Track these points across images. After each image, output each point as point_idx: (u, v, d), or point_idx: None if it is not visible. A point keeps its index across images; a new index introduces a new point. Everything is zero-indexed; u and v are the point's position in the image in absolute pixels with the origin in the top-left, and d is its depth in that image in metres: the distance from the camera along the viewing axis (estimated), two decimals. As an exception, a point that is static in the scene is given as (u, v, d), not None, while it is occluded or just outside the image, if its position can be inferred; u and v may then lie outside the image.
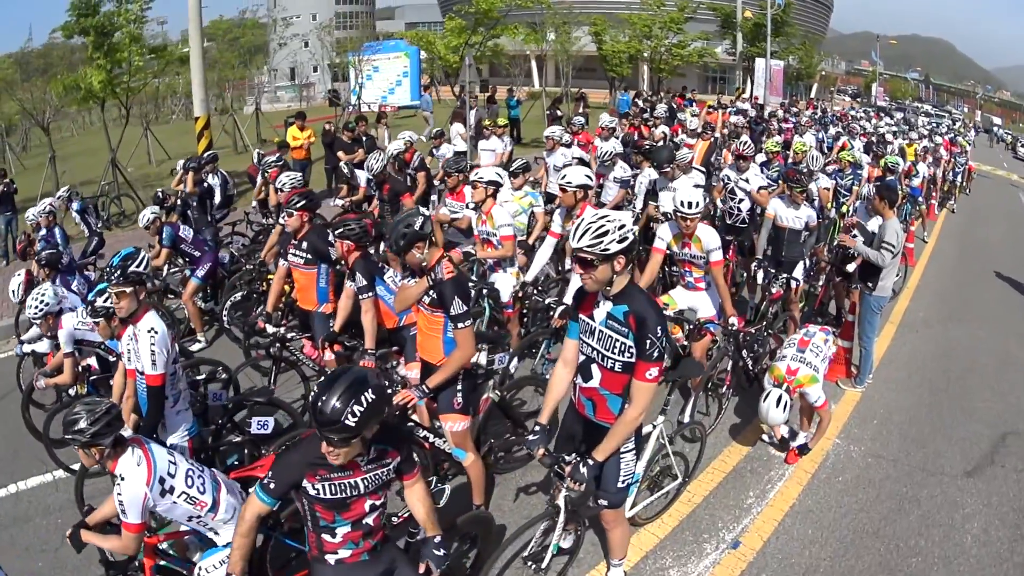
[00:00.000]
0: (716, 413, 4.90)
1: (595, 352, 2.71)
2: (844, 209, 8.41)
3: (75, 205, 8.10)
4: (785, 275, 5.69)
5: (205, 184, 7.86)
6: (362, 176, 7.93)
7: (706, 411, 4.87)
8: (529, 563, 2.97)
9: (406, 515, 2.68)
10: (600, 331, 2.66)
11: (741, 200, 6.65)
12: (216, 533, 2.86)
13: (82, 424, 2.62)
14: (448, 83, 24.38)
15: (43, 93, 14.31)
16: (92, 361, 4.71)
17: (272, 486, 2.30)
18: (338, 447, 2.12)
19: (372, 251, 6.42)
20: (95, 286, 4.23)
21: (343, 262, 4.43)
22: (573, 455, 2.70)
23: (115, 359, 4.35)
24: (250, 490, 2.42)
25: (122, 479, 2.64)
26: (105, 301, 3.62)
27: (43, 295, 4.55)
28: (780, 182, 6.47)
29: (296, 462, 2.29)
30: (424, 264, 3.29)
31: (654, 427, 3.54)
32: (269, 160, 7.78)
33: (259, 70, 32.36)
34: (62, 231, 6.85)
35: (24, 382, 5.08)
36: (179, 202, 7.56)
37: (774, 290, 5.69)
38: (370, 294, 4.08)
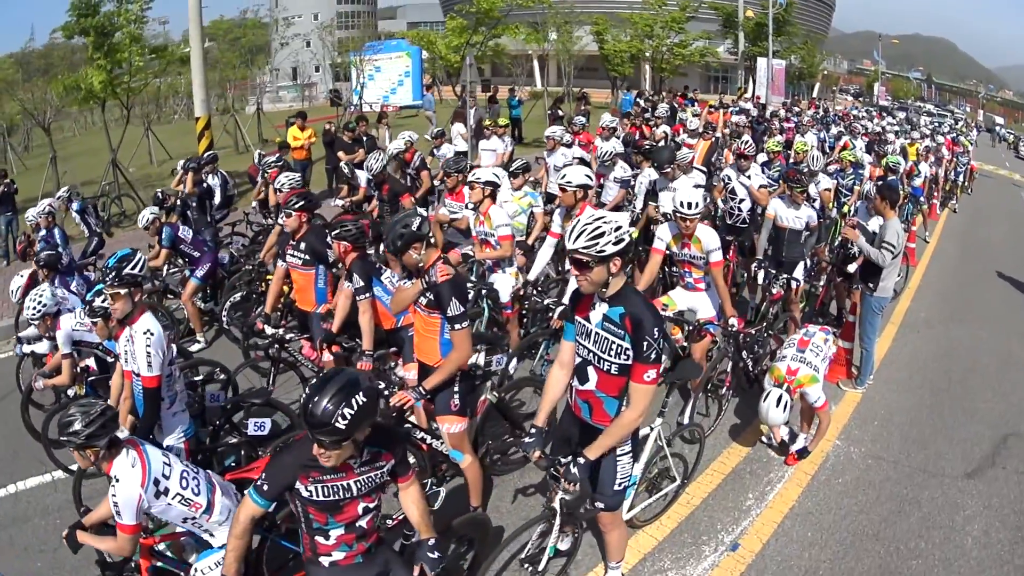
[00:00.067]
0: (716, 414, 4.88)
1: (591, 354, 2.69)
2: (845, 209, 8.38)
3: (75, 205, 8.11)
4: (785, 275, 5.67)
5: (205, 184, 7.86)
6: (362, 176, 7.92)
7: (706, 412, 4.85)
8: (526, 565, 2.96)
9: (401, 517, 2.67)
10: (596, 333, 2.65)
11: (742, 200, 6.64)
12: (211, 535, 2.86)
13: (77, 426, 2.63)
14: (450, 83, 24.37)
15: (44, 93, 14.33)
16: (91, 362, 4.72)
17: (265, 488, 2.30)
18: (329, 449, 2.12)
19: (372, 251, 6.45)
20: (94, 286, 4.23)
21: (341, 264, 4.42)
22: (569, 457, 2.69)
23: (113, 360, 4.35)
24: (245, 492, 2.42)
25: (117, 481, 2.64)
26: (103, 302, 3.62)
27: (41, 296, 4.56)
28: (781, 182, 6.45)
29: (289, 464, 2.28)
30: (421, 265, 3.28)
31: (652, 429, 3.52)
32: (269, 160, 7.78)
33: (261, 70, 32.39)
34: (62, 231, 6.86)
35: (24, 383, 5.09)
36: (179, 202, 7.56)
37: (774, 291, 5.67)
38: (367, 295, 4.07)
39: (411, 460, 3.64)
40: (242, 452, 3.93)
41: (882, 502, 4.13)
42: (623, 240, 2.52)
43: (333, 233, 4.19)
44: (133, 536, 2.69)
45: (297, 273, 4.69)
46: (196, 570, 2.79)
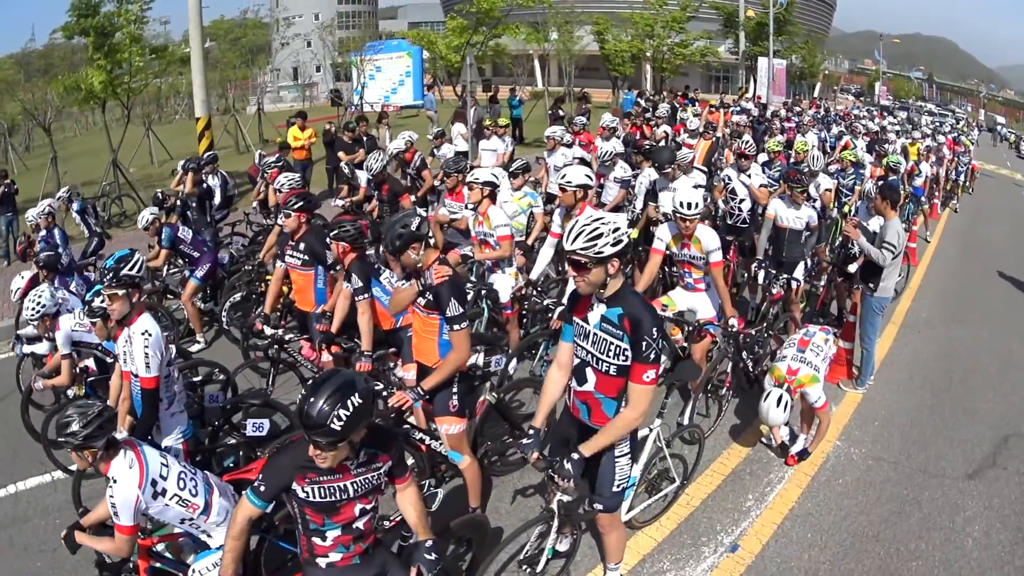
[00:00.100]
0: (716, 415, 4.87)
1: (589, 355, 2.68)
2: (846, 209, 8.36)
3: (75, 206, 8.11)
4: (786, 276, 5.66)
5: (204, 185, 7.86)
6: (363, 176, 7.91)
7: (706, 413, 4.84)
8: (524, 567, 2.96)
9: (398, 519, 2.66)
10: (594, 334, 2.64)
11: (742, 200, 6.63)
12: (209, 536, 2.86)
13: (74, 427, 2.63)
14: (450, 83, 24.37)
15: (44, 94, 14.35)
16: (90, 362, 4.71)
17: (262, 489, 2.29)
18: (325, 450, 2.11)
19: (372, 252, 6.45)
20: (94, 287, 4.23)
21: (338, 266, 4.41)
22: (568, 458, 2.68)
23: (113, 360, 4.34)
24: (243, 493, 2.42)
25: (114, 481, 2.64)
26: (101, 302, 3.62)
27: (39, 297, 4.56)
28: (781, 182, 6.44)
29: (285, 465, 2.28)
30: (419, 266, 3.27)
31: (651, 430, 3.51)
32: (269, 161, 7.78)
33: (261, 70, 32.41)
34: (62, 232, 6.85)
35: (24, 383, 5.09)
36: (178, 203, 7.56)
37: (775, 291, 5.66)
38: (366, 296, 4.06)
39: (410, 461, 3.65)
40: (241, 453, 3.93)
41: (882, 503, 4.12)
42: (621, 241, 2.51)
43: (331, 234, 4.18)
44: (131, 537, 2.69)
45: (296, 274, 4.68)
46: (194, 571, 2.79)
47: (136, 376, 3.22)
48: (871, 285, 5.28)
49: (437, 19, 36.80)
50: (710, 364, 4.68)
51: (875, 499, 4.15)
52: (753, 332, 5.13)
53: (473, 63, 12.38)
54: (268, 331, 4.46)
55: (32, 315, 4.58)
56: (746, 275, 6.47)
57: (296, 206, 4.54)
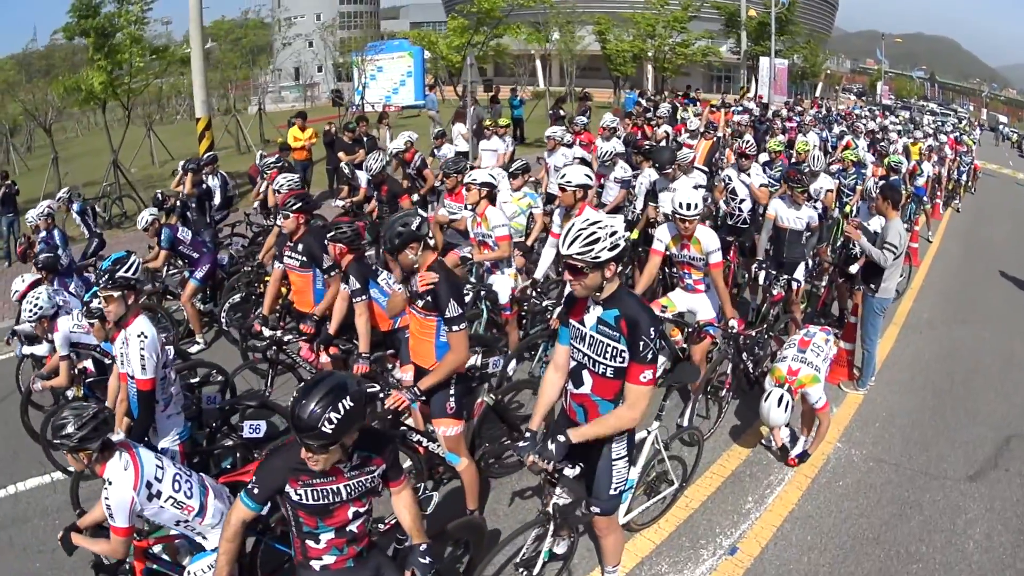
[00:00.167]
0: (716, 417, 4.85)
1: (586, 358, 2.66)
2: (848, 209, 8.34)
3: (75, 206, 8.11)
4: (786, 276, 5.64)
5: (204, 185, 7.86)
6: (363, 177, 7.91)
7: (706, 414, 4.82)
8: (521, 569, 2.94)
9: (393, 522, 2.65)
10: (591, 336, 2.62)
11: (742, 200, 6.61)
12: (204, 538, 2.86)
13: (70, 429, 2.63)
14: (451, 83, 24.36)
15: (45, 94, 14.37)
16: (88, 364, 4.70)
17: (256, 491, 2.29)
18: (317, 453, 2.10)
19: (372, 253, 6.44)
20: (93, 288, 4.22)
21: (332, 271, 4.39)
22: (564, 461, 2.66)
23: (111, 362, 4.34)
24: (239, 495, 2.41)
25: (109, 483, 2.64)
26: (99, 304, 3.61)
27: (37, 299, 4.55)
28: (782, 182, 6.42)
29: (279, 467, 2.27)
30: (417, 267, 3.26)
31: (649, 433, 3.50)
32: (269, 161, 7.78)
33: (263, 70, 32.42)
34: (61, 233, 6.86)
35: (24, 384, 5.09)
36: (178, 204, 7.56)
37: (775, 292, 5.64)
38: (364, 297, 4.05)
39: (407, 463, 3.65)
40: (238, 454, 3.92)
41: (883, 505, 4.10)
42: (618, 245, 2.48)
43: (328, 235, 4.17)
44: (126, 538, 2.69)
45: (295, 275, 4.68)
46: (189, 573, 2.79)
47: (132, 378, 3.22)
48: (872, 286, 5.26)
49: (439, 19, 36.78)
50: (710, 365, 4.66)
51: (875, 501, 4.13)
52: (753, 333, 5.11)
53: (474, 63, 12.37)
54: (266, 332, 4.45)
55: (29, 316, 4.58)
56: (747, 276, 6.45)
57: (295, 207, 4.53)
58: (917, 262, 9.05)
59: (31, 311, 4.55)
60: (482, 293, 5.02)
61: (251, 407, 4.16)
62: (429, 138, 10.86)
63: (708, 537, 3.78)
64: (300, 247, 4.55)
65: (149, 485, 2.68)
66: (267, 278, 5.95)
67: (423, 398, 3.29)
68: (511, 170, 6.35)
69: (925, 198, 10.64)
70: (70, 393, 4.65)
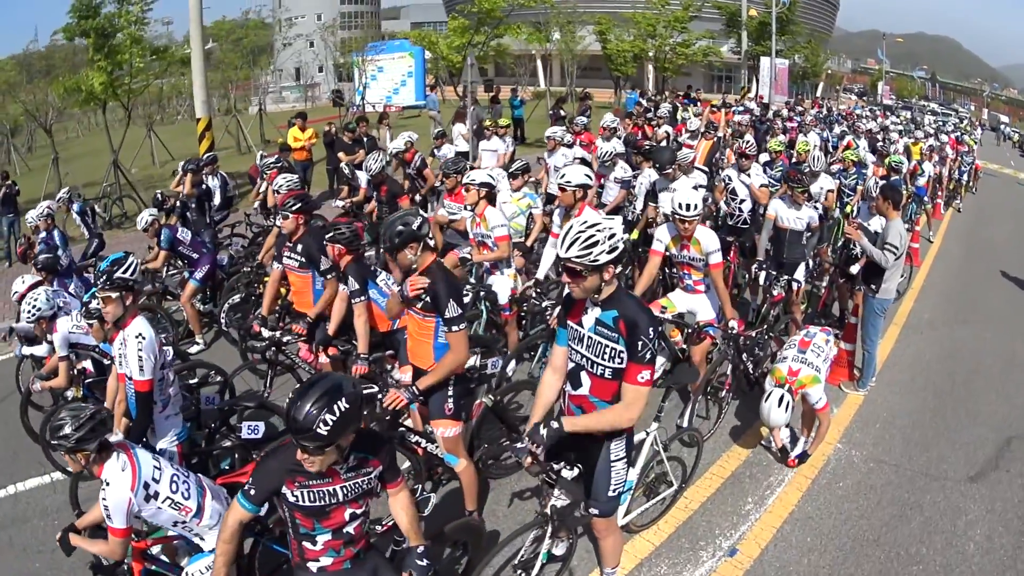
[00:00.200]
0: (715, 417, 4.84)
1: (584, 359, 2.65)
2: (848, 209, 8.32)
3: (75, 207, 8.12)
4: (786, 277, 5.62)
5: (204, 186, 7.85)
6: (363, 177, 7.90)
7: (705, 415, 4.81)
8: (519, 571, 2.93)
9: (390, 523, 2.65)
10: (589, 337, 2.61)
11: (743, 201, 6.60)
12: (202, 539, 2.86)
13: (67, 430, 2.63)
14: (452, 83, 24.36)
15: (45, 95, 14.39)
16: (87, 364, 4.70)
17: (252, 492, 2.29)
18: (312, 455, 2.10)
19: (372, 253, 6.43)
20: (92, 288, 4.22)
21: (328, 275, 4.37)
22: (562, 464, 2.66)
23: (110, 362, 4.34)
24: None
25: (107, 484, 2.64)
26: (98, 304, 3.61)
27: (35, 300, 4.55)
28: (783, 182, 6.41)
29: (275, 469, 2.27)
30: (415, 267, 3.25)
31: (647, 434, 3.49)
32: (268, 162, 7.78)
33: (263, 71, 32.43)
34: (61, 233, 6.85)
35: (24, 384, 5.09)
36: (178, 204, 7.55)
37: (775, 292, 5.63)
38: (363, 298, 4.05)
39: (406, 464, 3.64)
40: (237, 455, 3.91)
41: (883, 506, 4.08)
42: (617, 248, 2.47)
43: (327, 236, 4.16)
44: (124, 539, 2.69)
45: (294, 275, 4.67)
46: (187, 574, 2.79)
47: (130, 379, 3.21)
48: (873, 286, 5.25)
49: (440, 19, 36.75)
50: (710, 366, 4.65)
51: (876, 502, 4.12)
52: (753, 334, 5.10)
53: (474, 63, 12.35)
54: (265, 333, 4.44)
55: (27, 318, 4.58)
56: (747, 276, 6.44)
57: (294, 208, 4.52)
58: (918, 262, 9.03)
59: (29, 312, 4.55)
60: (481, 294, 5.01)
61: (249, 408, 4.16)
62: (430, 138, 10.85)
63: (707, 538, 3.77)
64: (299, 248, 4.54)
65: (147, 486, 2.67)
66: (267, 279, 5.95)
67: (421, 398, 3.28)
68: (511, 170, 6.34)
69: (926, 198, 10.62)
70: (69, 394, 4.66)
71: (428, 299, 3.23)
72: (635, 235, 6.57)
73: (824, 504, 4.09)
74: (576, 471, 2.65)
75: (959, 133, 19.93)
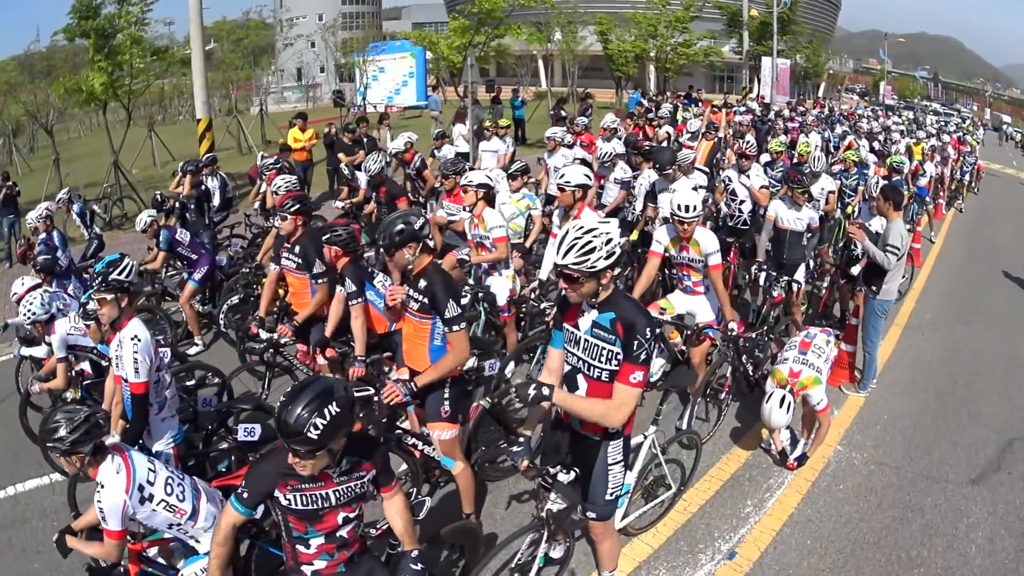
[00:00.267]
0: (715, 419, 4.82)
1: (580, 362, 2.63)
2: (849, 210, 8.30)
3: (75, 207, 8.12)
4: (787, 278, 5.60)
5: (203, 187, 7.85)
6: (363, 178, 7.89)
7: (705, 417, 4.79)
8: (516, 574, 2.91)
9: (385, 527, 2.63)
10: (585, 340, 2.59)
11: (743, 201, 6.57)
12: (197, 541, 2.85)
13: (62, 432, 2.62)
14: (453, 83, 24.36)
15: (46, 96, 14.41)
16: (86, 366, 4.70)
17: (245, 495, 2.28)
18: (303, 459, 2.09)
19: (371, 254, 6.42)
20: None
21: (319, 280, 4.36)
22: (558, 467, 2.64)
23: (108, 364, 4.33)
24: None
25: (102, 486, 2.64)
26: (94, 306, 3.60)
27: (31, 304, 4.54)
28: (783, 183, 6.38)
29: (268, 472, 2.26)
30: (410, 268, 3.23)
31: (645, 437, 3.47)
32: (268, 163, 7.77)
33: (264, 71, 32.43)
34: (60, 235, 6.86)
35: (23, 385, 5.09)
36: (177, 205, 7.55)
37: (775, 293, 5.60)
38: (360, 300, 4.03)
39: (403, 467, 3.62)
40: (233, 457, 3.90)
41: (884, 509, 4.06)
42: (614, 253, 2.44)
43: (324, 238, 4.15)
44: (119, 542, 2.69)
45: (292, 276, 4.64)
46: (182, 576, 2.78)
47: (126, 381, 3.20)
48: (874, 287, 5.22)
49: (441, 20, 36.76)
50: (709, 368, 4.63)
51: (876, 505, 4.09)
52: (753, 336, 5.08)
53: (474, 63, 12.33)
54: (263, 335, 4.43)
55: (25, 320, 4.58)
56: (747, 277, 6.41)
57: (292, 209, 4.50)
58: (920, 263, 9.00)
59: (25, 315, 4.56)
60: (480, 295, 5.00)
61: (246, 410, 4.14)
62: (430, 139, 10.84)
63: (707, 541, 3.74)
64: (297, 249, 4.52)
65: (141, 488, 2.67)
66: (265, 280, 5.94)
67: (416, 392, 3.24)
68: (510, 171, 6.32)
69: (928, 198, 10.58)
70: (68, 395, 4.65)
71: (425, 300, 3.21)
72: (634, 236, 6.55)
73: (824, 507, 4.06)
74: (572, 475, 2.63)
75: (961, 133, 19.86)
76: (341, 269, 4.14)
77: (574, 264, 2.41)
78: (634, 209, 7.05)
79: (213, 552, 2.35)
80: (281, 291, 5.09)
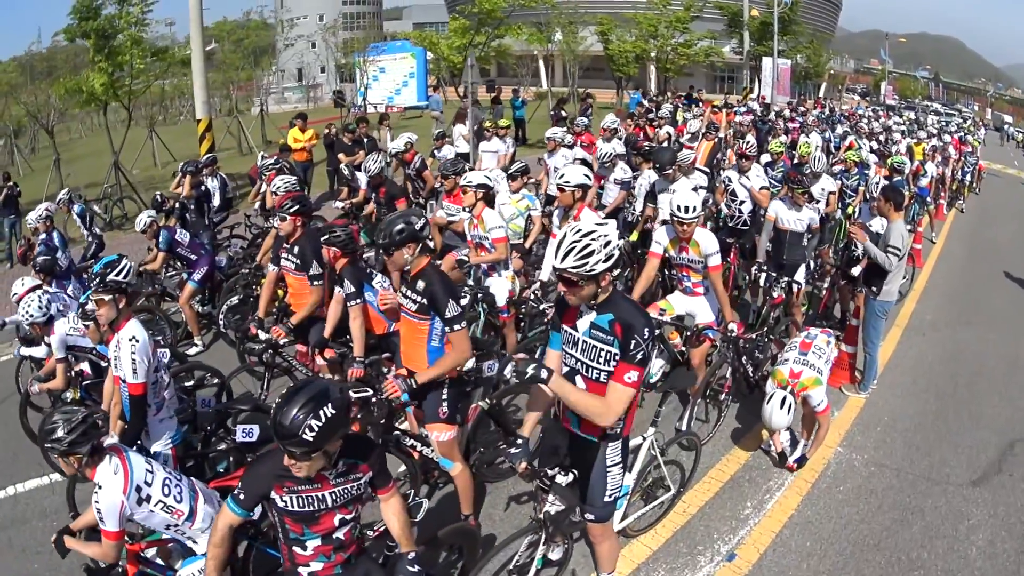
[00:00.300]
0: (715, 421, 4.81)
1: (579, 363, 2.62)
2: (850, 210, 8.28)
3: (76, 208, 8.12)
4: (787, 278, 5.59)
5: (203, 187, 7.85)
6: (363, 178, 7.89)
7: (705, 418, 4.78)
8: (515, 576, 2.91)
9: (382, 529, 2.63)
10: (584, 341, 2.58)
11: (743, 202, 6.56)
12: (194, 542, 2.85)
13: (59, 433, 2.62)
14: (453, 84, 24.36)
15: (47, 96, 14.42)
16: (85, 366, 4.70)
17: (242, 497, 2.27)
18: (299, 460, 2.09)
19: (371, 254, 6.42)
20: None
21: (315, 282, 4.35)
22: (556, 469, 2.63)
23: (107, 364, 4.33)
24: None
25: (99, 487, 2.64)
26: (92, 306, 3.60)
27: (29, 306, 4.55)
28: (783, 184, 6.37)
29: (264, 473, 2.25)
30: (408, 269, 3.22)
31: (644, 439, 3.46)
32: (267, 163, 7.77)
33: (265, 71, 32.46)
34: (60, 235, 6.86)
35: (23, 386, 5.09)
36: (176, 205, 7.56)
37: (775, 294, 5.59)
38: (358, 301, 4.03)
39: (402, 468, 3.62)
40: (232, 458, 3.90)
41: (884, 511, 4.05)
42: (613, 256, 2.43)
43: (322, 239, 4.14)
44: (117, 542, 2.68)
45: (292, 277, 4.64)
46: (179, 577, 2.77)
47: (124, 382, 3.20)
48: (874, 288, 5.21)
49: (442, 20, 36.77)
50: (709, 369, 4.62)
51: (876, 507, 4.08)
52: (753, 336, 5.07)
53: (474, 64, 12.32)
54: (262, 335, 4.42)
55: (24, 321, 4.59)
56: (747, 278, 6.40)
57: (291, 209, 4.50)
58: (921, 263, 8.98)
59: (23, 316, 4.56)
60: (479, 296, 4.99)
61: (245, 411, 4.14)
62: (431, 139, 10.84)
63: (706, 543, 3.73)
64: (296, 250, 4.52)
65: (139, 489, 2.67)
66: (264, 280, 5.94)
67: (415, 394, 3.23)
68: (509, 172, 6.31)
69: (929, 199, 10.56)
70: (67, 396, 4.65)
71: (424, 301, 3.21)
72: (634, 236, 6.54)
73: (824, 508, 4.05)
74: (570, 477, 2.62)
75: (962, 133, 19.82)
76: (340, 270, 4.13)
77: (572, 268, 2.40)
78: (634, 210, 7.04)
79: (210, 553, 2.34)
80: (280, 292, 5.08)
